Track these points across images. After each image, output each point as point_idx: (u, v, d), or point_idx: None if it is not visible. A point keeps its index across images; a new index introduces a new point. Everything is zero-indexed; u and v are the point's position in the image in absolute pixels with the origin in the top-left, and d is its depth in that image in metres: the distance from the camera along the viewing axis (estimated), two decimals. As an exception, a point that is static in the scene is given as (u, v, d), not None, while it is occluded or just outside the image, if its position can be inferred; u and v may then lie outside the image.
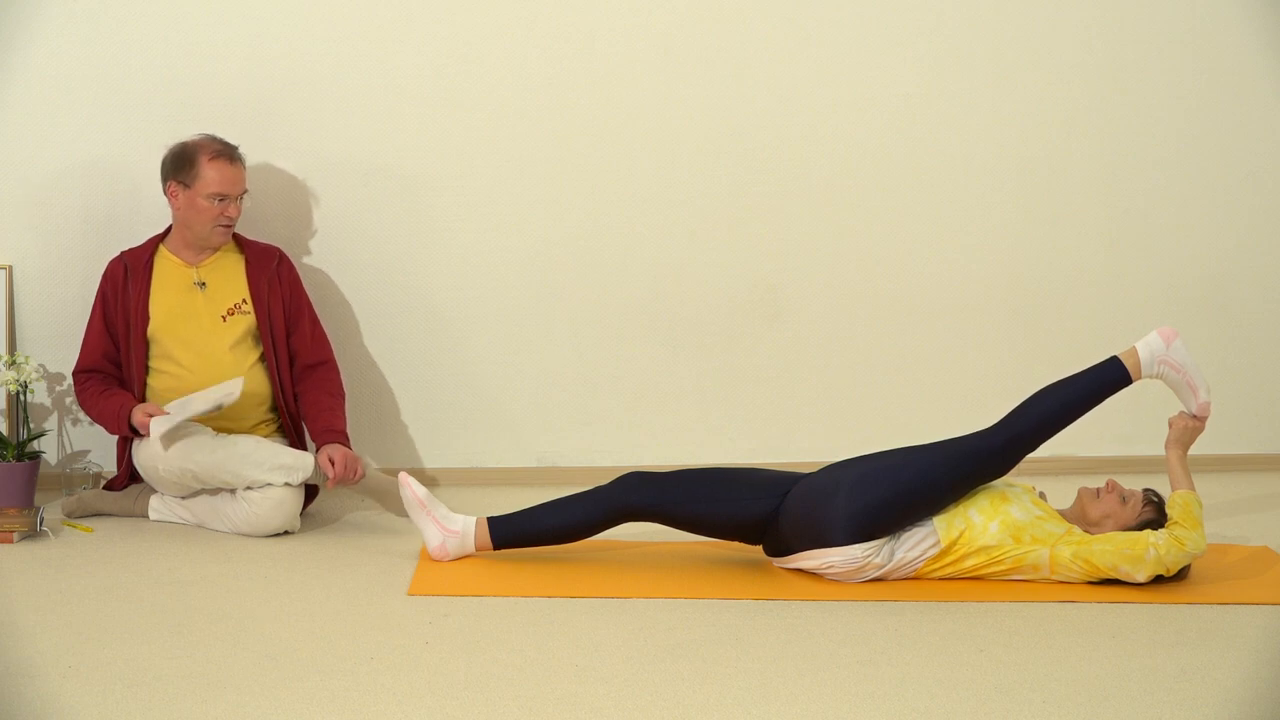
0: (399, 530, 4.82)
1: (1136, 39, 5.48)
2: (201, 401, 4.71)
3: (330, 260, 5.35)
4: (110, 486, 5.01)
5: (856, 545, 4.21)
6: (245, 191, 4.93)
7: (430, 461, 5.50)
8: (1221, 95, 5.54)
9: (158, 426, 4.67)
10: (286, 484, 4.71)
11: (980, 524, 4.24)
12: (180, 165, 4.86)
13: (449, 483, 5.45)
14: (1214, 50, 5.50)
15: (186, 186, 4.85)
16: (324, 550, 4.63)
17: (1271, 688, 3.55)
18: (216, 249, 4.96)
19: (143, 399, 4.86)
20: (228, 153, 4.88)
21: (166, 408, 4.73)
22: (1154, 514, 4.31)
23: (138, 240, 5.04)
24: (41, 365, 5.22)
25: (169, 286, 4.92)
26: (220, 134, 4.93)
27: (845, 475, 4.29)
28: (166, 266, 4.94)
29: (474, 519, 4.48)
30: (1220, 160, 5.57)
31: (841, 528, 4.21)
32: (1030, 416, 4.29)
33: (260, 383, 4.94)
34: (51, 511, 4.94)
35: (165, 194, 4.90)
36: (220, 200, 4.85)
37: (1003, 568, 4.24)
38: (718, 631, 3.89)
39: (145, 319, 4.88)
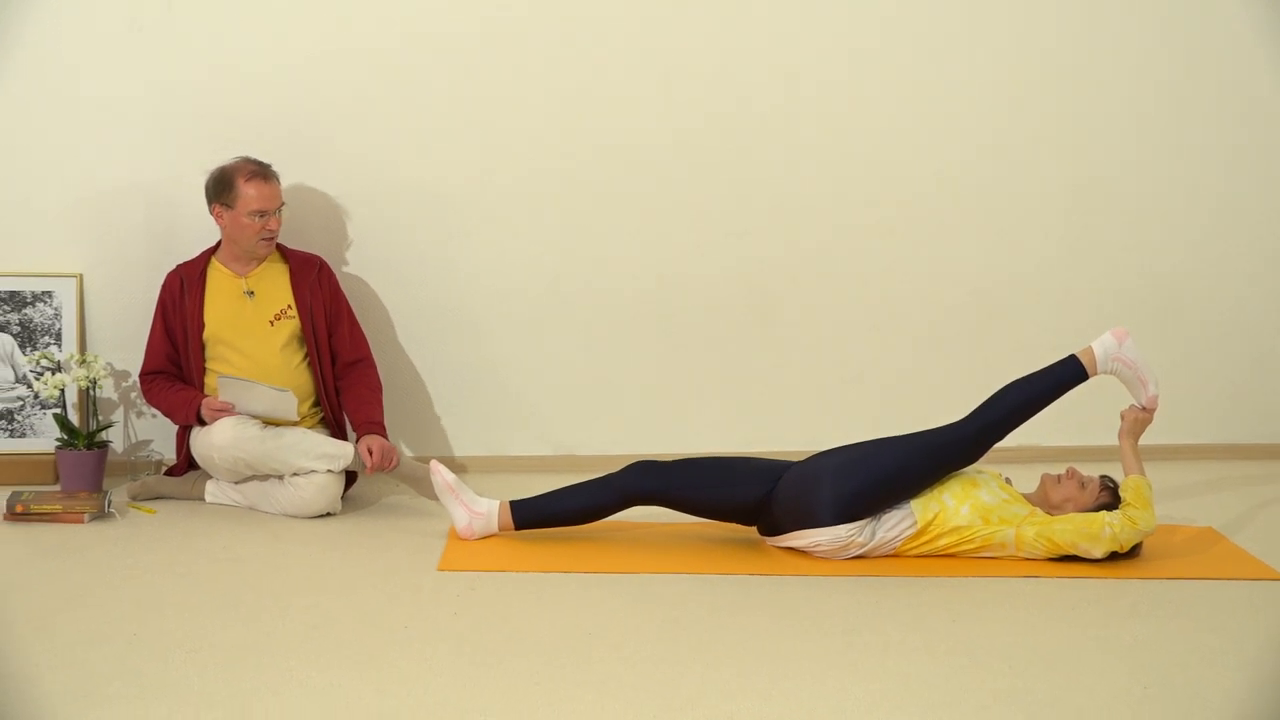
0: (430, 512, 4.81)
1: (1093, 66, 5.47)
2: (259, 401, 4.71)
3: (368, 268, 5.34)
4: (171, 472, 5.01)
5: (841, 526, 4.21)
6: (282, 204, 4.92)
7: (459, 450, 5.50)
8: (1168, 124, 5.52)
9: (225, 387, 4.71)
10: (329, 471, 4.71)
11: (953, 507, 4.23)
12: (221, 188, 4.85)
13: (476, 469, 5.44)
14: (1163, 81, 5.49)
15: (229, 207, 4.84)
16: (362, 530, 4.63)
17: (1216, 654, 3.54)
18: (263, 259, 4.96)
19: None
20: (262, 172, 4.86)
21: (230, 379, 4.73)
22: (1109, 498, 4.31)
23: (193, 253, 5.03)
24: (109, 364, 5.21)
25: (221, 296, 4.91)
26: (268, 156, 4.92)
27: (831, 462, 4.29)
28: (218, 278, 4.94)
29: (498, 502, 4.47)
30: (1169, 179, 5.56)
31: (828, 510, 4.21)
32: (997, 409, 4.28)
33: (305, 380, 4.94)
34: (118, 495, 4.94)
35: (211, 214, 4.89)
36: (261, 216, 4.84)
37: (973, 546, 4.24)
38: (717, 603, 3.89)
39: (201, 326, 4.88)
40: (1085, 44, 5.46)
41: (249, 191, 4.82)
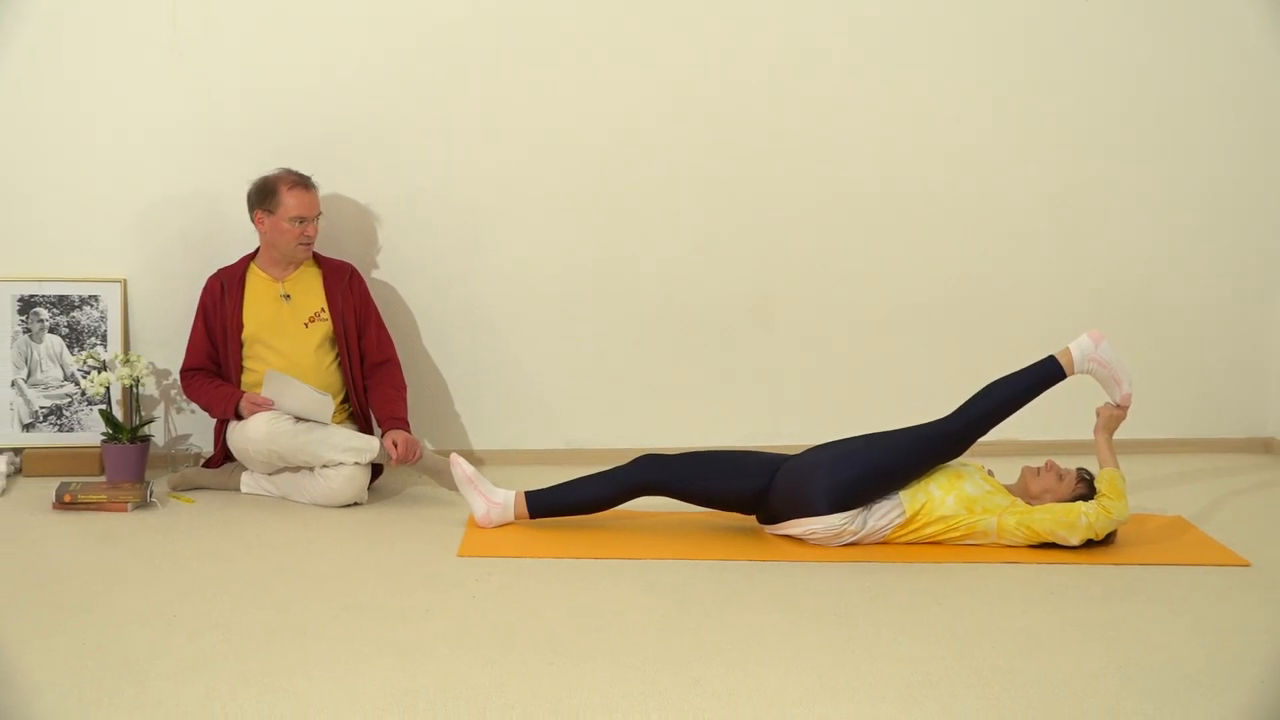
0: (450, 502, 4.83)
1: (1076, 74, 5.47)
2: (298, 400, 4.73)
3: (395, 274, 5.37)
4: (208, 464, 5.04)
5: (835, 515, 4.23)
6: (320, 214, 4.96)
7: (477, 444, 5.52)
8: (1147, 133, 5.53)
9: (270, 379, 4.72)
10: (356, 463, 4.73)
11: (939, 497, 4.25)
12: (264, 196, 4.89)
13: (493, 462, 5.46)
14: (1143, 90, 5.50)
15: (270, 213, 4.88)
16: (387, 519, 4.64)
17: (1186, 634, 3.56)
18: (299, 265, 5.00)
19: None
20: (303, 182, 4.90)
21: (277, 374, 4.75)
22: (1085, 489, 4.32)
23: (229, 259, 5.07)
24: (151, 363, 5.25)
25: (260, 299, 4.95)
26: (301, 169, 4.97)
27: (825, 456, 4.30)
28: (257, 282, 4.97)
29: (514, 492, 4.49)
30: (1146, 188, 5.56)
31: (823, 500, 4.22)
32: (981, 406, 4.30)
33: (336, 379, 4.97)
34: (159, 485, 4.96)
35: (252, 221, 4.93)
36: (300, 222, 4.88)
37: (958, 534, 4.26)
38: (719, 588, 3.90)
39: (240, 326, 4.92)
40: (1070, 52, 5.45)
41: (290, 199, 4.86)
